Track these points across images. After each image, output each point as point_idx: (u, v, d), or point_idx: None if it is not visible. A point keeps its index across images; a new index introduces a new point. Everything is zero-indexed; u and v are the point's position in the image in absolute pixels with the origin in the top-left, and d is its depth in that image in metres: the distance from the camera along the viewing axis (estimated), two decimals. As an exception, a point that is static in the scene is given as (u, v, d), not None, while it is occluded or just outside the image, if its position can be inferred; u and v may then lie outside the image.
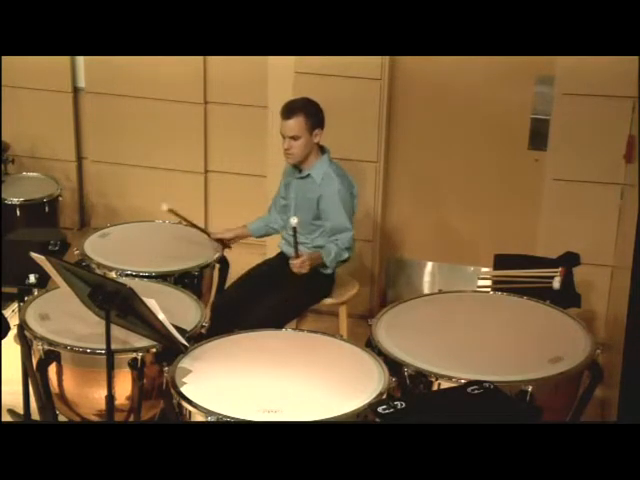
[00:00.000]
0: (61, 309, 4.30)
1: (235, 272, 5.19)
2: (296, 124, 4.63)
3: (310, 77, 5.62)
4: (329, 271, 4.83)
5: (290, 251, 4.90)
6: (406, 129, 5.81)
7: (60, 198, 6.21)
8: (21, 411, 4.49)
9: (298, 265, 4.61)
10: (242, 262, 5.35)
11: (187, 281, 4.83)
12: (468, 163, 5.80)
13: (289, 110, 4.66)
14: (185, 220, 5.08)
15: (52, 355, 4.09)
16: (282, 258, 4.96)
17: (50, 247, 4.75)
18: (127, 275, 4.73)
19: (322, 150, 4.83)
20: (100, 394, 3.98)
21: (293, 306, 4.82)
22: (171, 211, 4.93)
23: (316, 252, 4.73)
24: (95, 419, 4.20)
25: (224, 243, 5.10)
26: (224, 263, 5.12)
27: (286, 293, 4.74)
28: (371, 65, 5.52)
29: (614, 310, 5.15)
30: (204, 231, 5.19)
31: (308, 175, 4.79)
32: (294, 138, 4.66)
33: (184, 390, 3.75)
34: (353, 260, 5.10)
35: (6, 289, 4.68)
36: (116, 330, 3.95)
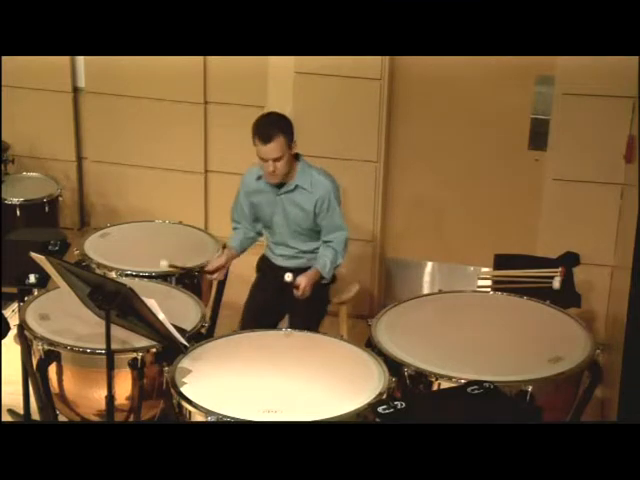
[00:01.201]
0: (61, 309, 4.30)
1: (235, 272, 5.19)
2: (277, 146, 4.44)
3: (310, 77, 5.62)
4: (327, 281, 4.78)
5: (289, 263, 4.76)
6: (406, 129, 5.81)
7: (60, 198, 6.21)
8: (21, 411, 4.48)
9: (301, 295, 4.56)
10: (242, 262, 5.34)
11: (187, 281, 4.82)
12: (468, 163, 5.80)
13: (268, 134, 4.44)
14: (183, 268, 4.78)
15: (52, 355, 4.09)
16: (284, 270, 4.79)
17: (50, 247, 4.75)
18: (127, 275, 4.73)
19: (296, 156, 4.67)
20: (100, 394, 3.98)
21: (323, 308, 4.86)
22: (172, 266, 4.72)
23: (312, 271, 4.61)
24: (95, 419, 4.20)
25: (219, 272, 4.82)
26: (224, 263, 5.11)
27: (310, 304, 4.72)
28: (371, 65, 5.52)
29: (614, 310, 5.15)
30: (198, 271, 4.86)
31: (296, 187, 4.63)
32: (277, 159, 4.48)
33: (184, 390, 3.75)
34: (353, 260, 5.11)
35: (6, 289, 4.68)
36: (116, 330, 3.95)
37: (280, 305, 4.76)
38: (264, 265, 4.90)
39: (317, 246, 4.74)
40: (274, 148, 4.44)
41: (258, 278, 4.92)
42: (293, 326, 4.63)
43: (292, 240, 4.74)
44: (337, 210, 4.66)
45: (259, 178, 4.70)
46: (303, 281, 4.54)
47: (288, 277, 4.49)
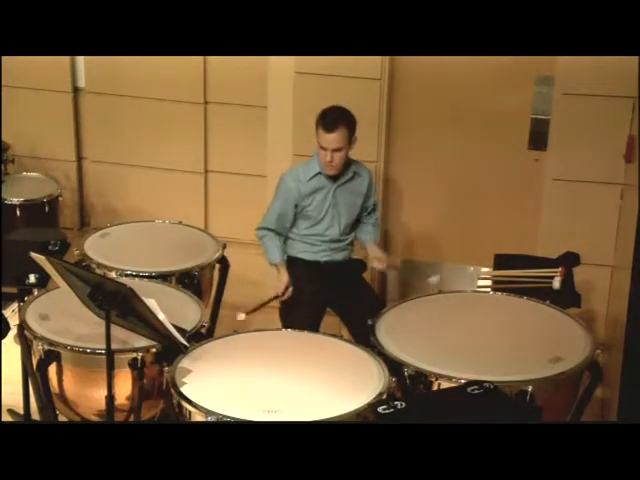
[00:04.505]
0: (61, 309, 4.30)
1: (235, 272, 5.19)
2: (339, 137, 4.54)
3: (310, 77, 5.62)
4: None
5: (336, 256, 4.80)
6: (406, 129, 5.81)
7: (60, 198, 6.21)
8: (21, 411, 4.48)
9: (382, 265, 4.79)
10: (242, 262, 5.35)
11: (187, 281, 4.82)
12: (468, 163, 5.80)
13: (332, 123, 4.53)
14: (261, 305, 4.63)
15: (52, 355, 4.09)
16: (327, 267, 4.82)
17: (50, 247, 4.75)
18: (127, 275, 4.73)
19: None
20: (100, 394, 3.98)
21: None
22: (250, 313, 4.56)
23: (374, 246, 4.86)
24: (95, 419, 4.20)
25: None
26: (224, 263, 5.12)
27: (367, 291, 4.91)
28: (371, 65, 5.52)
29: (614, 310, 5.15)
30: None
31: (354, 174, 4.74)
32: (337, 150, 4.57)
33: (184, 390, 3.75)
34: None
35: (6, 289, 4.68)
36: (116, 330, 3.95)
37: (329, 302, 4.82)
38: (302, 273, 4.77)
39: (351, 237, 4.88)
40: (336, 138, 4.54)
41: (301, 290, 4.73)
42: (355, 319, 4.67)
43: (342, 233, 4.80)
44: (375, 194, 4.94)
45: (313, 177, 4.68)
46: (377, 252, 4.78)
47: (435, 279, 4.49)
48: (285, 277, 4.71)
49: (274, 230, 4.76)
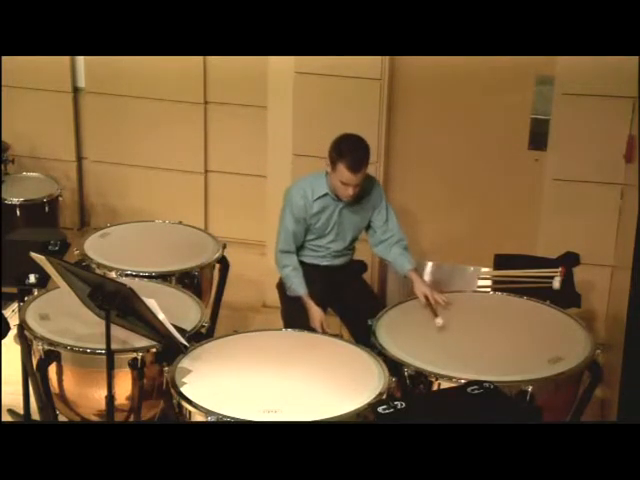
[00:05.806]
0: (61, 309, 4.30)
1: (235, 272, 5.19)
2: (363, 174, 4.49)
3: (310, 77, 5.62)
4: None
5: (336, 261, 4.79)
6: (406, 129, 5.81)
7: (60, 198, 6.21)
8: (21, 411, 4.48)
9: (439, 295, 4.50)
10: (242, 262, 5.35)
11: (187, 281, 4.82)
12: (468, 163, 5.80)
13: (360, 165, 4.44)
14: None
15: (52, 355, 4.09)
16: (327, 270, 4.81)
17: (50, 247, 4.74)
18: (127, 275, 4.73)
19: None
20: (100, 394, 3.98)
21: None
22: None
23: (415, 275, 4.62)
24: (95, 419, 4.20)
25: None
26: (224, 263, 5.12)
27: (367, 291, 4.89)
28: (371, 65, 5.52)
29: (614, 310, 5.15)
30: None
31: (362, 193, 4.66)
32: (358, 184, 4.52)
33: (184, 390, 3.75)
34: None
35: (6, 289, 4.68)
36: (116, 330, 3.95)
37: (329, 303, 4.78)
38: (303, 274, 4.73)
39: (349, 254, 4.84)
40: (360, 177, 4.48)
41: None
42: (355, 319, 4.64)
43: (346, 243, 4.79)
44: (385, 199, 4.80)
45: (320, 198, 4.62)
46: (427, 291, 4.48)
47: (439, 323, 4.30)
48: (316, 314, 4.55)
49: (293, 252, 4.68)
